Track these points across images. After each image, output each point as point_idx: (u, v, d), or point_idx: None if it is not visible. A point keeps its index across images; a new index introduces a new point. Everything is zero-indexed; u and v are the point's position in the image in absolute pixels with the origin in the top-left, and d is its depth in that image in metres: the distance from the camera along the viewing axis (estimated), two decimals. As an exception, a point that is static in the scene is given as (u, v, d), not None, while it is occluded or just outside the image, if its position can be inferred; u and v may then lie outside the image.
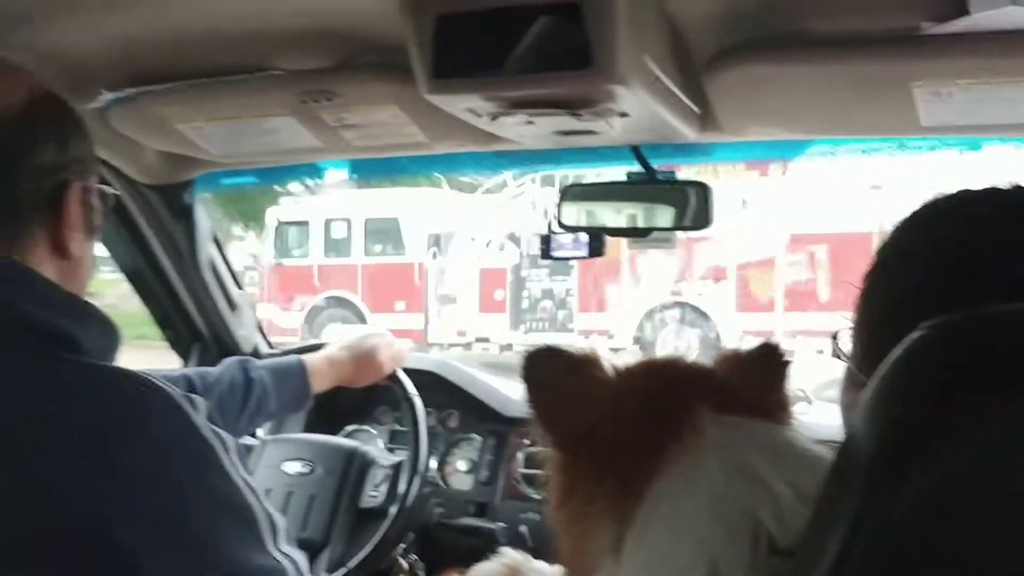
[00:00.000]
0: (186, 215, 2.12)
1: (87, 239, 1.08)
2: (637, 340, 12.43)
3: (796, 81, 1.44)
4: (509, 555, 1.28)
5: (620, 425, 0.89)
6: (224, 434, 1.02)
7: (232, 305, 2.30)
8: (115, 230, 2.09)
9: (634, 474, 0.83)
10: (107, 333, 1.05)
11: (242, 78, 1.57)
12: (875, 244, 0.92)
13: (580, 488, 0.90)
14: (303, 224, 13.96)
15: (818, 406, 2.07)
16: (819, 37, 1.36)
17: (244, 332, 2.36)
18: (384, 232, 13.76)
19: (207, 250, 2.20)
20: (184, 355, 2.34)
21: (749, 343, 1.05)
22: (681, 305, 12.37)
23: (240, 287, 2.37)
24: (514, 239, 13.36)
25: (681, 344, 12.19)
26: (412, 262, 13.61)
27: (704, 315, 12.19)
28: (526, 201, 13.68)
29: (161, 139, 1.83)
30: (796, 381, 1.06)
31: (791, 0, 1.31)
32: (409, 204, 13.37)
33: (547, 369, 0.96)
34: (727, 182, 10.89)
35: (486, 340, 13.14)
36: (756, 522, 0.74)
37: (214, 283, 2.24)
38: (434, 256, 13.72)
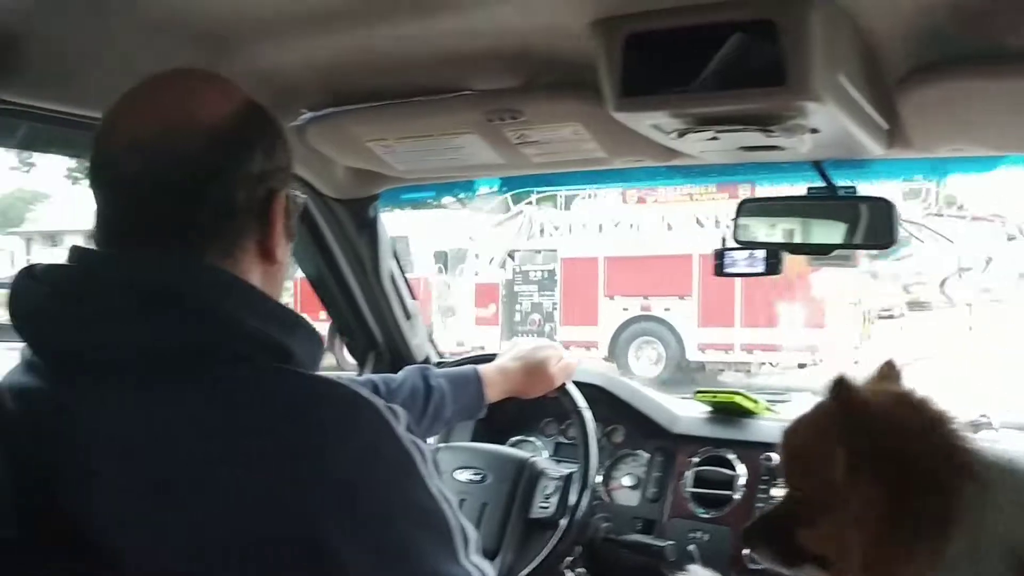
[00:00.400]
0: (370, 228, 2.22)
1: (287, 244, 1.13)
2: (611, 351, 13.08)
3: (995, 97, 1.39)
4: (698, 572, 1.28)
5: (917, 458, 0.92)
6: (421, 444, 1.04)
7: (408, 315, 2.39)
8: (303, 240, 2.19)
9: (939, 502, 0.85)
10: (314, 342, 1.09)
11: (432, 98, 1.63)
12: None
13: (894, 522, 0.92)
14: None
15: (1004, 433, 1.98)
16: (1019, 52, 1.31)
17: (418, 341, 2.44)
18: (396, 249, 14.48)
19: (388, 262, 2.29)
20: (361, 361, 2.44)
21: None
22: (649, 320, 13.05)
23: (415, 298, 2.45)
24: (512, 256, 14.08)
25: (651, 355, 12.98)
26: (419, 277, 14.03)
27: (671, 328, 12.84)
28: (524, 221, 14.45)
29: (352, 156, 1.92)
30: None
31: (989, 16, 1.26)
32: (418, 223, 13.77)
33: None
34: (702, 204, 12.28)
35: (481, 349, 13.34)
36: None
37: (392, 293, 2.32)
38: (440, 272, 14.43)
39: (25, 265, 1.07)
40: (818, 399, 1.13)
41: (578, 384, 2.08)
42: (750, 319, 12.28)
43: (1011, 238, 13.58)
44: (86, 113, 1.44)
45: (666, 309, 12.82)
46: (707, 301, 12.52)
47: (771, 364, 12.21)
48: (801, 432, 1.07)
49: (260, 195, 1.07)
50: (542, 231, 14.36)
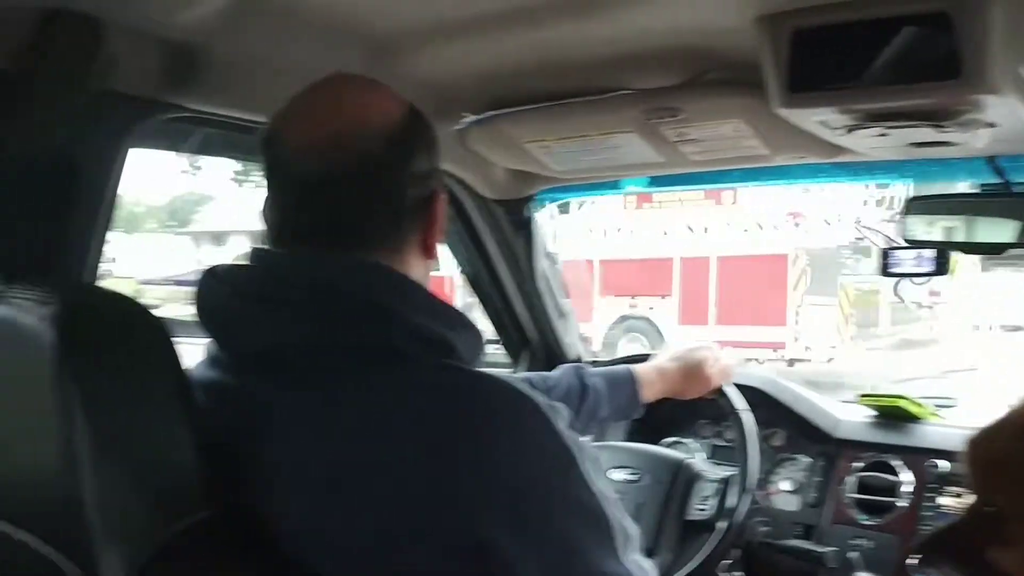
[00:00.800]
0: (526, 228, 2.26)
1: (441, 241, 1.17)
2: (604, 346, 13.53)
3: None
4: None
5: None
6: (582, 441, 1.05)
7: (561, 314, 2.41)
8: (460, 239, 2.26)
9: None
10: (476, 339, 1.11)
11: (591, 99, 1.64)
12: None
13: None
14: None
15: None
16: None
17: (570, 340, 2.46)
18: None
19: (542, 262, 2.31)
20: (514, 358, 2.47)
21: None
22: (636, 318, 13.76)
23: (567, 296, 2.46)
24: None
25: (638, 351, 13.45)
26: (444, 276, 14.55)
27: (655, 326, 13.50)
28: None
29: (511, 158, 1.95)
30: None
31: None
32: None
33: None
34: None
35: (497, 342, 14.16)
36: None
37: (547, 292, 2.35)
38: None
39: (208, 266, 1.12)
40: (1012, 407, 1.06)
41: (736, 386, 2.05)
42: (724, 317, 12.96)
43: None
44: (254, 117, 1.50)
45: (650, 308, 13.61)
46: (685, 300, 13.28)
47: (757, 361, 12.48)
48: (1001, 443, 1.00)
49: (423, 194, 1.11)
50: (555, 236, 14.92)
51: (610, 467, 2.07)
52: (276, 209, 1.10)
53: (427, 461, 0.97)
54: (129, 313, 0.99)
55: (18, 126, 1.24)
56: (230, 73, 1.46)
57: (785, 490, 2.17)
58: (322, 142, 1.06)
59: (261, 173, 1.12)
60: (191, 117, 1.52)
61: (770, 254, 12.67)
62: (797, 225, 12.66)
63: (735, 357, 2.10)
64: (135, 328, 0.98)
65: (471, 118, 1.77)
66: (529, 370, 2.36)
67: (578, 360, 2.42)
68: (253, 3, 1.30)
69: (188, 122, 1.55)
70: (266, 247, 1.11)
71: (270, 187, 1.11)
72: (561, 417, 1.04)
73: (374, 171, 1.07)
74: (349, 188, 1.06)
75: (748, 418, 1.95)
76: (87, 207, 1.37)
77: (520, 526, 0.97)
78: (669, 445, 2.32)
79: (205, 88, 1.47)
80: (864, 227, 12.00)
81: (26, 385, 0.93)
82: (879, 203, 11.97)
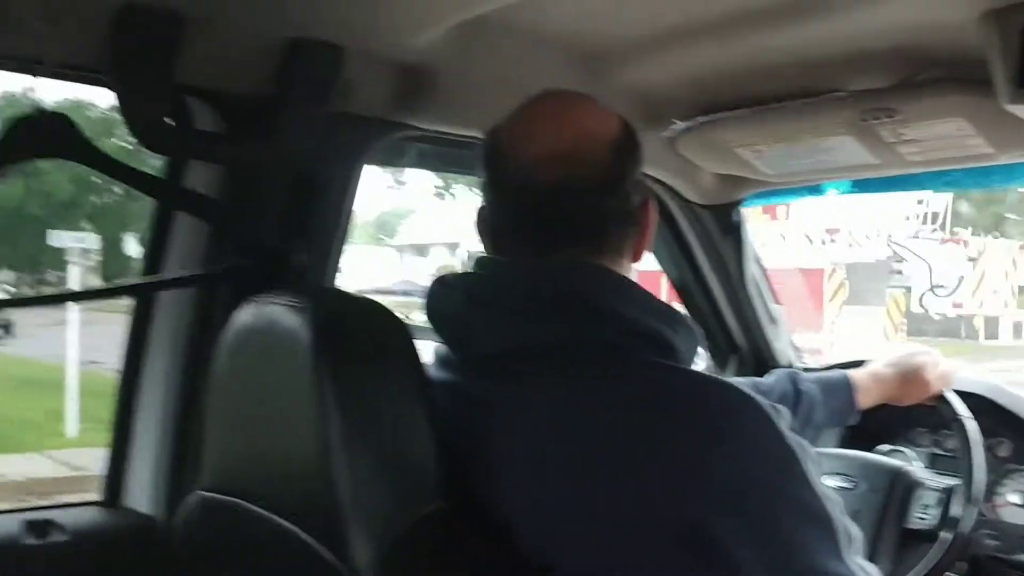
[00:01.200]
0: (734, 233, 2.24)
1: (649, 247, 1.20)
2: None
3: None
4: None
5: None
6: (804, 443, 1.04)
7: (772, 319, 2.37)
8: (667, 245, 2.27)
9: None
10: (693, 338, 1.13)
11: (804, 101, 1.63)
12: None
13: None
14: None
15: None
16: None
17: (780, 345, 2.42)
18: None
19: (751, 266, 2.29)
20: (721, 365, 2.45)
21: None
22: None
23: (777, 301, 2.43)
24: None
25: None
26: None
27: None
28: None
29: (720, 162, 1.96)
30: None
31: None
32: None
33: None
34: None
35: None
36: None
37: (757, 298, 2.32)
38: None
39: (437, 276, 1.19)
40: None
41: (957, 392, 1.97)
42: None
43: (971, 259, 14.52)
44: (472, 133, 1.55)
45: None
46: None
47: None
48: None
49: (639, 201, 1.15)
50: None
51: (825, 473, 2.03)
52: (502, 219, 1.16)
53: (649, 461, 0.99)
54: (377, 316, 1.07)
55: (271, 147, 1.37)
56: (454, 92, 1.55)
57: (1014, 503, 2.06)
58: (563, 152, 1.10)
59: (479, 185, 1.19)
60: (414, 135, 1.61)
61: (809, 268, 12.95)
62: (833, 241, 13.06)
63: (955, 363, 2.01)
64: (382, 329, 1.06)
65: (681, 125, 1.79)
66: (737, 375, 2.34)
67: (789, 366, 2.38)
68: (477, 25, 1.37)
69: (411, 139, 1.64)
70: (490, 256, 1.17)
71: (495, 198, 1.16)
72: (783, 418, 1.04)
73: (606, 180, 1.11)
74: (582, 197, 1.11)
75: (972, 425, 1.87)
76: (330, 220, 1.49)
77: (744, 526, 0.98)
78: (886, 453, 2.25)
79: (432, 107, 1.56)
80: (895, 243, 12.13)
81: (287, 381, 1.02)
82: (918, 217, 12.09)
